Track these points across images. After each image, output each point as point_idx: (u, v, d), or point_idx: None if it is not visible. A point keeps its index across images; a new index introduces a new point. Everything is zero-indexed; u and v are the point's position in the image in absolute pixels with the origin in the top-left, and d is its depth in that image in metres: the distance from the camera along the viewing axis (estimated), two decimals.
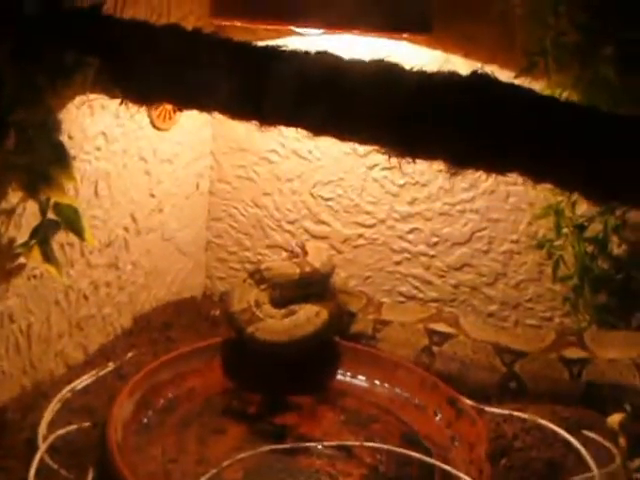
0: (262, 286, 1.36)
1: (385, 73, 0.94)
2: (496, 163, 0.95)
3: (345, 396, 1.34)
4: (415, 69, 0.94)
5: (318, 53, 0.96)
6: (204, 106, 1.04)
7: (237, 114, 1.00)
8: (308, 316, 1.31)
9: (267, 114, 0.97)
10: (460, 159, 0.94)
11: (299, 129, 1.00)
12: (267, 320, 1.30)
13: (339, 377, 1.38)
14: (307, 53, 0.97)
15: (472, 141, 0.92)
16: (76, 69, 0.97)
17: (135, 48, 1.02)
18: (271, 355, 1.31)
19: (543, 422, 1.22)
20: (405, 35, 1.31)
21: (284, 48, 0.98)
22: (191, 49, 1.01)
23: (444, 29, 1.42)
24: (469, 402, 1.28)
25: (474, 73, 0.93)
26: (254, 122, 1.01)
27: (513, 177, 1.48)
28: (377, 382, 1.36)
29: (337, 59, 0.96)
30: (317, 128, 0.96)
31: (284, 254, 1.49)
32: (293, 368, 1.32)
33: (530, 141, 0.90)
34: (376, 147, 0.96)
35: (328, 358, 1.39)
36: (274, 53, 0.98)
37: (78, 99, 1.17)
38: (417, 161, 0.98)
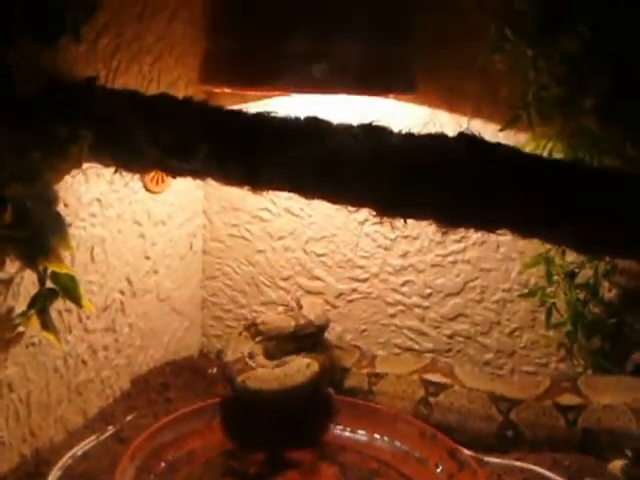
0: (257, 339, 1.38)
1: (373, 137, 0.97)
2: (485, 221, 0.97)
3: (345, 451, 1.34)
4: (402, 132, 0.97)
5: (307, 118, 0.99)
6: (197, 174, 1.06)
7: (229, 181, 1.02)
8: (299, 367, 1.32)
9: (259, 179, 0.99)
10: (450, 218, 0.96)
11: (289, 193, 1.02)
12: (258, 370, 1.31)
13: (338, 432, 1.38)
14: (296, 119, 0.99)
15: (461, 201, 0.95)
16: (70, 142, 0.98)
17: (127, 119, 1.04)
18: (262, 404, 1.31)
19: (545, 472, 1.23)
20: (390, 95, 1.33)
21: (274, 115, 1.01)
22: (181, 119, 1.04)
23: (428, 85, 1.45)
24: (469, 453, 1.28)
25: (461, 134, 0.96)
26: (246, 188, 1.03)
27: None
28: (377, 436, 1.36)
29: (325, 123, 0.99)
30: (307, 191, 0.98)
31: (280, 308, 1.51)
32: (289, 421, 1.32)
33: (518, 199, 0.93)
34: (366, 208, 0.98)
35: (325, 411, 1.38)
36: (264, 121, 1.00)
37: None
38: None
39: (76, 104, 1.03)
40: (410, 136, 0.97)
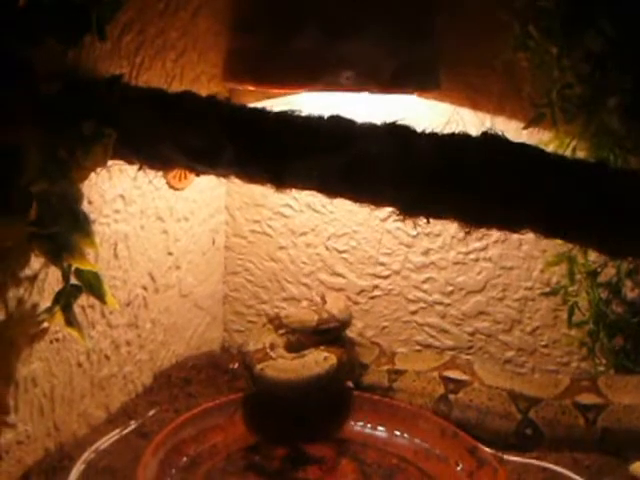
0: (280, 331, 1.39)
1: (398, 136, 0.97)
2: (508, 222, 0.97)
3: (366, 447, 1.34)
4: (427, 131, 0.97)
5: (331, 118, 0.99)
6: (220, 172, 1.06)
7: (254, 180, 1.02)
8: (316, 359, 1.33)
9: (284, 180, 0.99)
10: (473, 219, 0.96)
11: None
12: (277, 360, 1.32)
13: (359, 428, 1.38)
14: (320, 118, 0.99)
15: (484, 201, 0.95)
16: (95, 140, 0.99)
17: (152, 117, 1.04)
18: (278, 393, 1.31)
19: (565, 471, 1.22)
20: (414, 93, 1.33)
21: (297, 114, 1.01)
22: (205, 119, 1.04)
23: (452, 82, 1.45)
24: (489, 451, 1.28)
25: (485, 134, 0.96)
26: (270, 186, 1.03)
27: None
28: (397, 433, 1.36)
29: (350, 123, 0.99)
30: (332, 192, 0.98)
31: (304, 303, 1.51)
32: (306, 413, 1.33)
33: (541, 199, 0.92)
34: (390, 209, 0.98)
35: (342, 406, 1.39)
36: (289, 120, 1.00)
37: None
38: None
39: (100, 102, 1.03)
40: (434, 135, 0.97)
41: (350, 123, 0.99)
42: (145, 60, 1.31)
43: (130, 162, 1.13)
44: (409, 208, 0.98)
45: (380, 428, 1.38)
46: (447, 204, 0.96)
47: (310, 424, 1.33)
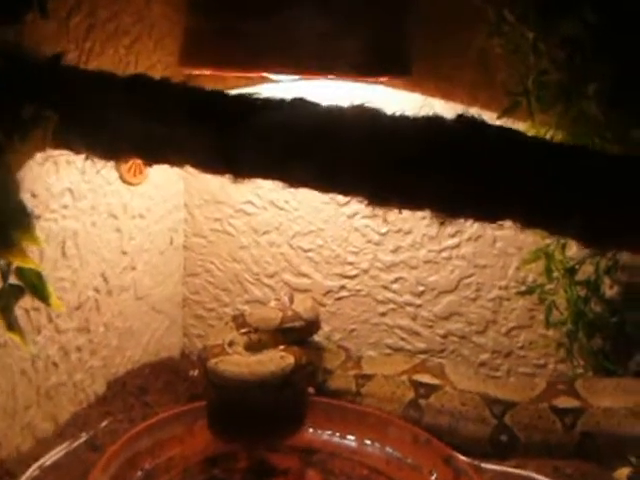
0: (242, 330, 1.36)
1: (364, 119, 0.89)
2: (486, 211, 0.89)
3: (334, 457, 1.29)
4: (397, 114, 0.90)
5: (294, 100, 0.91)
6: (175, 161, 0.98)
7: (208, 169, 0.94)
8: (272, 357, 1.29)
9: (243, 168, 0.91)
10: (449, 208, 0.89)
11: (275, 181, 0.94)
12: (233, 355, 1.29)
13: (326, 437, 1.32)
14: (281, 101, 0.91)
15: (460, 188, 0.87)
16: (35, 124, 0.90)
17: (98, 100, 0.96)
18: (230, 388, 1.27)
19: None
20: (383, 79, 1.26)
21: (257, 96, 0.93)
22: (159, 100, 0.96)
23: (423, 71, 1.39)
24: (465, 459, 1.22)
25: (460, 116, 0.89)
26: (228, 176, 0.95)
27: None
28: (367, 441, 1.30)
29: (313, 106, 0.91)
30: (295, 181, 0.90)
31: (272, 303, 1.46)
32: (260, 412, 1.27)
33: (522, 186, 0.85)
34: (359, 198, 0.91)
35: (298, 411, 1.33)
36: (246, 103, 0.93)
37: (41, 155, 1.12)
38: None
39: (41, 83, 0.94)
40: (404, 118, 0.90)
41: (313, 105, 0.91)
42: (96, 45, 1.25)
43: (76, 151, 1.04)
44: (378, 197, 0.90)
45: (349, 436, 1.32)
46: (419, 192, 0.89)
47: (262, 424, 1.28)
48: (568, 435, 1.26)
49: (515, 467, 1.24)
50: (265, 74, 1.23)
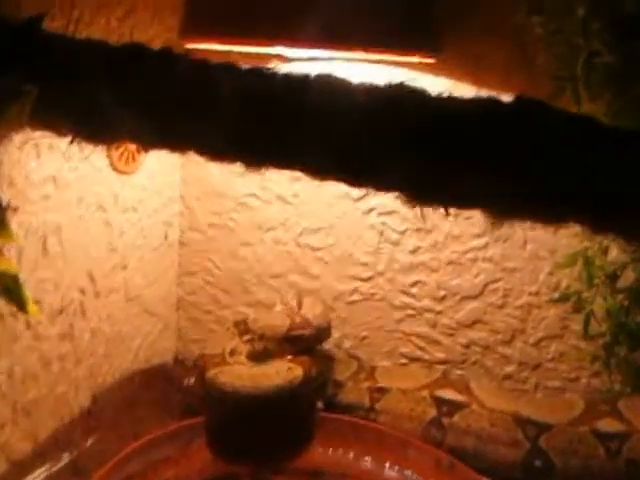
0: (245, 337, 1.27)
1: (410, 101, 0.76)
2: (549, 212, 0.77)
3: None
4: (447, 96, 0.77)
5: (326, 77, 0.77)
6: (176, 145, 0.85)
7: (219, 156, 0.81)
8: (278, 369, 1.19)
9: (259, 155, 0.78)
10: (505, 208, 0.76)
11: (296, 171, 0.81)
12: (234, 366, 1.19)
13: (338, 458, 1.22)
14: (308, 77, 0.78)
15: (521, 184, 0.75)
16: (11, 98, 0.77)
17: (87, 73, 0.82)
18: (230, 403, 1.16)
19: None
20: (413, 58, 1.13)
21: (272, 69, 0.80)
22: (159, 73, 0.82)
23: (449, 51, 1.26)
24: None
25: (519, 98, 0.77)
26: (239, 164, 0.82)
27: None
28: (386, 464, 1.20)
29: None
30: (323, 172, 0.77)
31: (278, 307, 1.36)
32: (265, 433, 1.17)
33: (594, 183, 0.72)
34: (396, 193, 0.78)
35: (307, 428, 1.22)
36: (260, 73, 0.79)
37: (19, 137, 1.00)
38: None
39: (19, 51, 0.80)
40: (453, 100, 0.77)
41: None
42: (85, 14, 1.14)
43: (60, 133, 0.90)
44: (420, 192, 0.78)
45: (365, 458, 1.22)
46: (472, 186, 0.76)
47: (266, 443, 1.18)
48: (612, 463, 1.15)
49: None
50: (280, 49, 1.09)
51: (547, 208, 0.76)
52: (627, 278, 1.24)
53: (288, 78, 0.78)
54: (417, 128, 0.76)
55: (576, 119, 0.75)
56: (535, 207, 0.76)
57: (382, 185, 0.78)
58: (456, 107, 0.77)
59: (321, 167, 0.78)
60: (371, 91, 0.77)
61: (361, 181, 0.80)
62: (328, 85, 0.77)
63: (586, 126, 0.75)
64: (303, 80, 0.77)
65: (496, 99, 0.78)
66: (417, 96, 0.77)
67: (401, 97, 0.77)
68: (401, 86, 0.77)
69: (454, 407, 1.25)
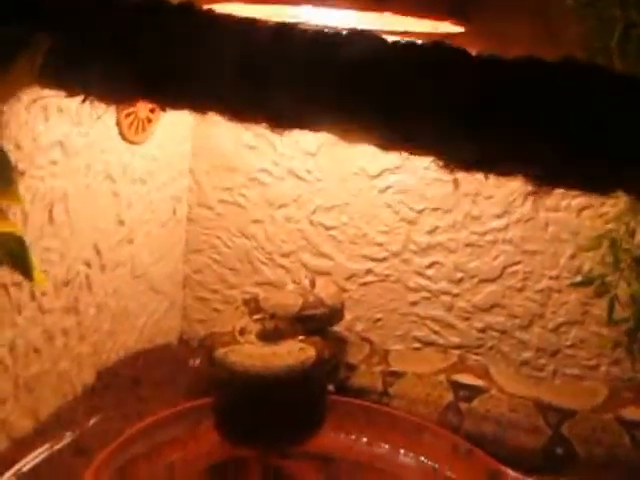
0: (256, 316, 1.24)
1: (447, 58, 0.72)
2: (595, 179, 0.72)
3: (362, 470, 1.17)
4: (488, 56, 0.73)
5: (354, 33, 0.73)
6: (197, 103, 0.80)
7: (243, 115, 0.76)
8: (290, 349, 1.15)
9: (287, 114, 0.73)
10: (550, 175, 0.72)
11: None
12: (244, 345, 1.15)
13: (351, 444, 1.19)
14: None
15: (564, 149, 0.70)
16: (20, 48, 0.72)
17: (102, 25, 0.78)
18: (243, 386, 1.13)
19: None
20: (445, 21, 1.08)
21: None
22: (177, 26, 0.78)
23: (473, 26, 1.21)
24: (514, 474, 1.09)
25: (565, 57, 0.72)
26: (264, 124, 0.77)
27: (555, 202, 1.29)
28: (401, 451, 1.17)
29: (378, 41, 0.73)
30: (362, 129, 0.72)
31: (290, 286, 1.34)
32: (275, 411, 1.14)
33: None
34: (434, 156, 0.73)
35: (318, 412, 1.19)
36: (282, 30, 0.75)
37: (27, 97, 0.96)
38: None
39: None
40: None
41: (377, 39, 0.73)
42: None
43: (71, 92, 0.85)
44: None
45: (379, 444, 1.19)
46: (513, 151, 0.71)
47: (276, 426, 1.14)
48: (638, 452, 1.13)
49: None
50: (307, 11, 1.05)
51: (593, 175, 0.71)
52: None
53: (318, 33, 0.74)
54: (455, 88, 0.71)
55: (624, 78, 0.71)
56: (580, 174, 0.72)
57: (418, 148, 0.74)
58: (496, 67, 0.73)
59: (351, 128, 0.74)
60: (410, 49, 0.73)
61: (396, 144, 0.75)
62: (362, 40, 0.72)
63: (635, 86, 0.71)
64: (334, 35, 0.73)
65: (540, 59, 0.73)
66: (458, 56, 0.73)
67: (440, 55, 0.73)
68: (441, 45, 0.73)
69: (473, 392, 1.22)
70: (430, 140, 0.73)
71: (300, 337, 1.19)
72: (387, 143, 0.75)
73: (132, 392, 1.30)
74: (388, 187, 1.39)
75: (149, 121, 1.26)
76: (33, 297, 1.11)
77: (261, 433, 1.13)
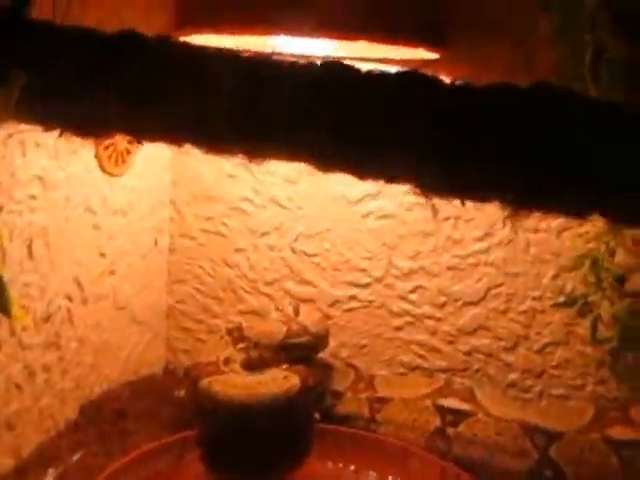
0: (240, 345, 1.24)
1: (417, 85, 0.72)
2: (571, 202, 0.73)
3: None
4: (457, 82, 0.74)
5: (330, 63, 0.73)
6: (174, 137, 0.80)
7: (219, 146, 0.76)
8: (275, 377, 1.15)
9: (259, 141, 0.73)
10: (524, 199, 0.72)
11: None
12: (229, 374, 1.16)
13: (341, 472, 1.20)
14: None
15: (539, 173, 0.71)
16: None
17: (79, 60, 0.78)
18: (225, 412, 1.12)
19: None
20: (418, 48, 1.09)
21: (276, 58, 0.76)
22: (154, 61, 0.78)
23: (451, 51, 1.23)
24: None
25: (537, 83, 0.73)
26: (240, 156, 0.77)
27: (534, 223, 1.29)
28: (389, 477, 1.17)
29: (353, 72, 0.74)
30: (331, 162, 0.72)
31: (274, 314, 1.32)
32: (261, 445, 1.12)
33: (621, 173, 0.68)
34: (409, 184, 0.73)
35: (304, 441, 1.18)
36: (263, 62, 0.75)
37: (4, 131, 0.97)
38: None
39: (5, 37, 0.75)
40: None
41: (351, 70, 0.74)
42: (73, 4, 1.09)
43: (47, 127, 0.85)
44: (431, 183, 0.73)
45: (366, 471, 1.19)
46: (488, 178, 0.72)
47: (262, 456, 1.13)
48: (627, 472, 1.13)
49: None
50: (279, 41, 1.05)
51: (569, 198, 0.72)
52: (632, 281, 1.22)
53: (294, 66, 0.74)
54: (429, 116, 0.72)
55: (598, 104, 0.72)
56: (555, 197, 0.72)
57: (393, 176, 0.74)
58: (469, 94, 0.74)
59: (328, 156, 0.74)
60: (383, 78, 0.74)
61: (371, 173, 0.76)
62: (336, 72, 0.73)
63: (608, 111, 0.71)
64: (309, 67, 0.74)
65: (512, 85, 0.74)
66: (429, 83, 0.74)
67: (413, 85, 0.73)
68: (413, 74, 0.74)
69: (459, 416, 1.22)
70: (404, 169, 0.73)
71: (284, 365, 1.19)
72: (362, 173, 0.76)
73: (116, 426, 1.29)
74: (369, 213, 1.39)
75: (128, 153, 1.26)
76: (13, 333, 1.10)
77: (247, 463, 1.12)
